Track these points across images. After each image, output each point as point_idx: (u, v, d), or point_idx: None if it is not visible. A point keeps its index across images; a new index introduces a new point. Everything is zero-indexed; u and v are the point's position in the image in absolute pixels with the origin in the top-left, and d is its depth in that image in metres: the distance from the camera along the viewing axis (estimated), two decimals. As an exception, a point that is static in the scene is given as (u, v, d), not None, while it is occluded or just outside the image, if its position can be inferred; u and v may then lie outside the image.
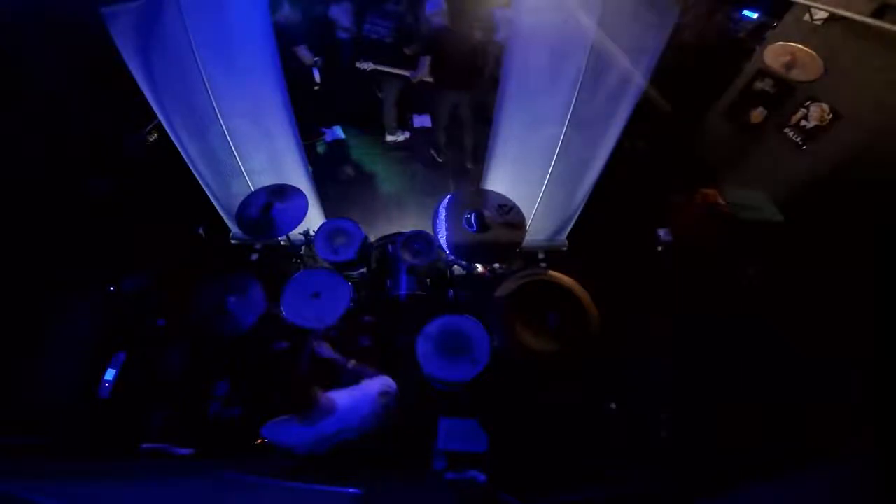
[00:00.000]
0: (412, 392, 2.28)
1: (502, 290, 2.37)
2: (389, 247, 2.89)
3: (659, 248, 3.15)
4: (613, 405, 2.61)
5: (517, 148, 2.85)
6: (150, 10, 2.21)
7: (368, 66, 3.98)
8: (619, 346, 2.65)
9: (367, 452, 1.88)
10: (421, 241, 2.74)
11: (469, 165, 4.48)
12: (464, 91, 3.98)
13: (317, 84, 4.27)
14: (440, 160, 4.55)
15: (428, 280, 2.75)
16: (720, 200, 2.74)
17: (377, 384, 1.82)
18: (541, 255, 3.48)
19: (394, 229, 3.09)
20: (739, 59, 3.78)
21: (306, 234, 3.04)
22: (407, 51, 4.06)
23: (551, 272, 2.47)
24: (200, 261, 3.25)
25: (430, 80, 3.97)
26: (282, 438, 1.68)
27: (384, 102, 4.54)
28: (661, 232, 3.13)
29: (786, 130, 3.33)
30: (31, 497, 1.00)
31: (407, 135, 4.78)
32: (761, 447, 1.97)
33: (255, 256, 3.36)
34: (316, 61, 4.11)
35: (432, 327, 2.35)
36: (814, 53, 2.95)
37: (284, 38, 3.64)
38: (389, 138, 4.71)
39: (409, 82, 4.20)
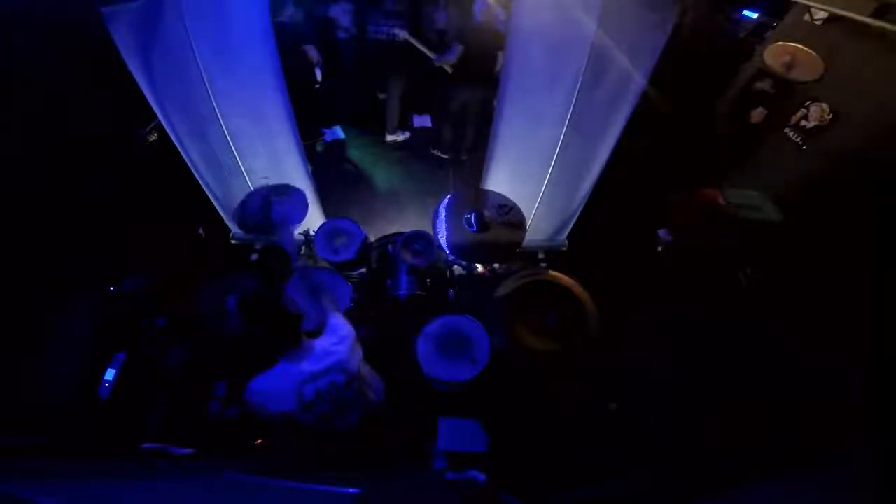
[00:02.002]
0: (411, 391, 2.29)
1: (502, 290, 2.38)
2: (389, 247, 2.89)
3: (659, 248, 3.15)
4: (613, 405, 2.61)
5: (517, 148, 2.85)
6: (150, 10, 2.22)
7: (403, 34, 4.03)
8: (619, 346, 2.65)
9: (362, 431, 1.85)
10: (421, 241, 2.74)
11: (464, 157, 4.48)
12: (480, 87, 3.98)
13: (318, 82, 4.28)
14: (441, 158, 4.55)
15: (428, 280, 2.75)
16: (720, 200, 2.74)
17: (342, 328, 1.73)
18: (541, 255, 3.48)
19: (394, 229, 3.09)
20: (739, 59, 3.78)
21: (306, 233, 3.04)
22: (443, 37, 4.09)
23: (551, 272, 2.47)
24: (200, 261, 3.25)
25: (448, 69, 3.98)
26: (266, 384, 1.58)
27: (388, 102, 4.53)
28: (661, 232, 3.13)
29: (786, 130, 3.33)
30: (32, 497, 1.00)
31: (407, 135, 4.78)
32: (761, 447, 1.97)
33: (254, 256, 3.37)
34: (318, 61, 4.12)
35: (432, 327, 2.35)
36: (814, 53, 2.95)
37: (292, 38, 3.65)
38: (389, 138, 4.71)
39: (412, 81, 4.19)
